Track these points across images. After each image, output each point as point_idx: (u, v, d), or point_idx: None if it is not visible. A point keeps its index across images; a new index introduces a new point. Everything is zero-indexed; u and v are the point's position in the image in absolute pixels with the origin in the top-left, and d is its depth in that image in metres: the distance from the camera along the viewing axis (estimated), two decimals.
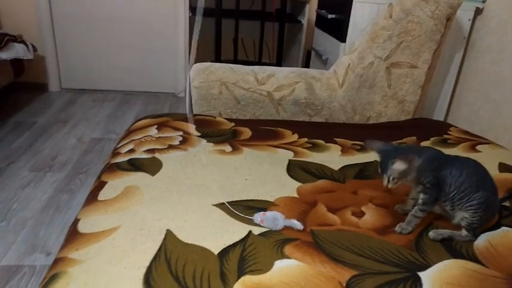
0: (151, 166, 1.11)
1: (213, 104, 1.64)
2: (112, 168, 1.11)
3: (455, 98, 2.10)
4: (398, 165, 0.87)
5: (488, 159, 1.28)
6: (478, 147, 1.38)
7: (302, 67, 2.82)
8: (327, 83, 1.69)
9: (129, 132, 1.37)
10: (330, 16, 2.09)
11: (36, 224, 1.66)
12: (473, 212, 0.88)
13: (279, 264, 0.79)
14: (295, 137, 1.38)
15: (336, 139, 1.38)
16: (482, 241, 0.90)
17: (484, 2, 1.91)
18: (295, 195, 1.04)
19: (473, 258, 0.85)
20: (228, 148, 1.25)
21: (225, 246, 0.82)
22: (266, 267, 0.77)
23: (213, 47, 2.87)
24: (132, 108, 3.00)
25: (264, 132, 1.39)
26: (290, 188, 1.06)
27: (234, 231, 0.87)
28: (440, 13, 1.56)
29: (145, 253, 0.79)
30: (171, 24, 3.13)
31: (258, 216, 0.90)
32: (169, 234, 0.85)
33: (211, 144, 1.27)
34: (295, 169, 1.16)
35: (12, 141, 2.34)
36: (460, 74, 2.06)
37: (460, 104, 2.06)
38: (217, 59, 2.54)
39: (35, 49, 2.86)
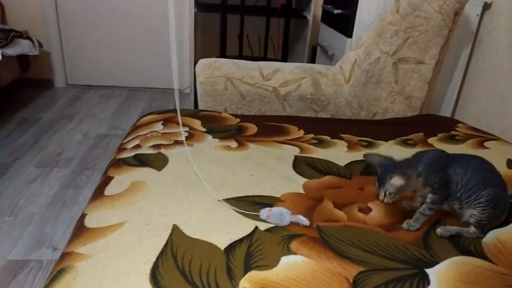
0: (157, 161, 1.11)
1: (219, 99, 1.63)
2: (118, 163, 1.11)
3: (462, 94, 2.08)
4: (396, 181, 0.86)
5: (496, 155, 1.27)
6: (486, 144, 1.36)
7: (308, 63, 2.81)
8: (333, 79, 1.68)
9: (135, 127, 1.37)
10: (336, 11, 2.07)
11: (42, 219, 1.67)
12: (482, 209, 0.87)
13: (286, 260, 0.78)
14: (301, 132, 1.37)
15: (342, 135, 1.37)
16: (490, 238, 0.89)
17: None
18: (302, 191, 1.03)
19: (481, 255, 0.84)
20: (233, 144, 1.25)
21: (231, 241, 0.82)
22: (272, 263, 0.77)
23: (218, 43, 2.86)
24: (137, 104, 3.00)
25: (269, 128, 1.39)
26: (296, 184, 1.06)
27: (240, 226, 0.87)
28: (448, 8, 1.54)
29: (152, 248, 0.79)
30: (177, 20, 3.12)
31: (264, 212, 0.90)
32: (175, 230, 0.85)
33: (217, 140, 1.27)
34: (301, 165, 1.16)
35: (18, 137, 2.35)
36: (467, 70, 2.04)
37: (468, 100, 2.04)
38: (223, 55, 2.53)
39: (40, 45, 2.87)
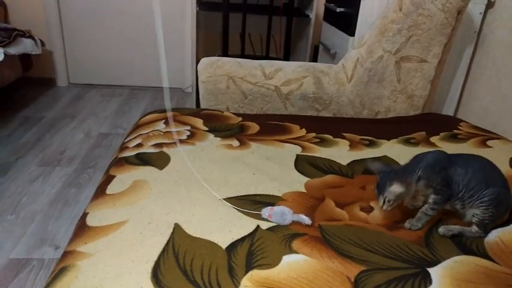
0: (159, 160, 1.11)
1: (220, 98, 1.63)
2: (120, 162, 1.11)
3: (465, 92, 2.08)
4: (396, 188, 0.86)
5: (499, 154, 1.27)
6: (489, 143, 1.36)
7: (310, 62, 2.80)
8: (335, 78, 1.68)
9: (137, 126, 1.37)
10: (338, 10, 2.06)
11: (44, 218, 1.67)
12: (484, 208, 0.87)
13: (287, 259, 0.78)
14: (303, 131, 1.37)
15: (344, 134, 1.37)
16: (492, 237, 0.89)
17: None
18: (303, 190, 1.03)
19: (483, 254, 0.84)
20: (235, 143, 1.25)
21: (233, 240, 0.82)
22: (274, 262, 0.77)
23: (220, 42, 2.86)
24: (139, 103, 3.00)
25: (271, 127, 1.38)
26: (298, 183, 1.06)
27: (242, 225, 0.87)
28: (452, 6, 1.53)
29: (154, 247, 0.79)
30: (179, 20, 3.12)
31: (266, 211, 0.90)
32: (177, 228, 0.85)
33: (219, 138, 1.27)
34: (303, 164, 1.15)
35: (21, 136, 2.35)
36: (470, 69, 2.03)
37: (470, 98, 2.04)
38: (225, 54, 2.53)
39: (43, 44, 2.87)
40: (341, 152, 1.25)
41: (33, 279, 1.37)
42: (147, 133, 1.28)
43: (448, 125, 1.50)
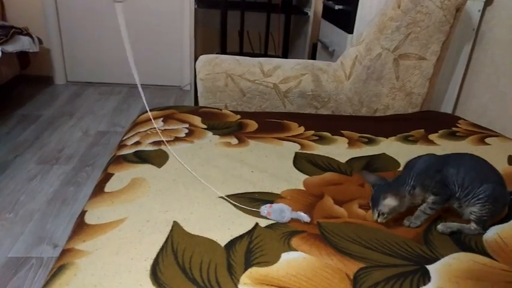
0: (157, 158, 1.11)
1: (219, 96, 1.63)
2: (118, 160, 1.11)
3: (463, 90, 2.08)
4: (390, 201, 0.87)
5: (497, 152, 1.27)
6: (487, 140, 1.36)
7: (308, 59, 2.80)
8: (334, 75, 1.68)
9: (135, 124, 1.36)
10: (337, 7, 2.06)
11: (43, 216, 1.67)
12: (481, 205, 0.87)
13: (286, 257, 0.78)
14: (302, 129, 1.37)
15: (342, 131, 1.37)
16: (491, 234, 0.89)
17: None
18: (302, 187, 1.03)
19: (482, 251, 0.84)
20: (234, 140, 1.25)
21: (231, 238, 0.82)
22: (273, 260, 0.77)
23: (218, 39, 2.85)
24: (137, 101, 3.00)
25: (270, 124, 1.38)
26: (297, 180, 1.06)
27: (241, 223, 0.87)
28: (450, 3, 1.53)
29: (152, 245, 0.79)
30: (177, 17, 3.11)
31: (264, 209, 0.90)
32: (176, 226, 0.84)
33: (217, 136, 1.26)
34: (302, 162, 1.15)
35: (19, 134, 2.35)
36: (468, 66, 2.03)
37: (469, 96, 2.04)
38: (223, 51, 2.52)
39: (40, 42, 2.86)
40: (340, 150, 1.25)
41: (32, 277, 1.37)
42: (146, 131, 1.28)
43: (447, 123, 1.50)
